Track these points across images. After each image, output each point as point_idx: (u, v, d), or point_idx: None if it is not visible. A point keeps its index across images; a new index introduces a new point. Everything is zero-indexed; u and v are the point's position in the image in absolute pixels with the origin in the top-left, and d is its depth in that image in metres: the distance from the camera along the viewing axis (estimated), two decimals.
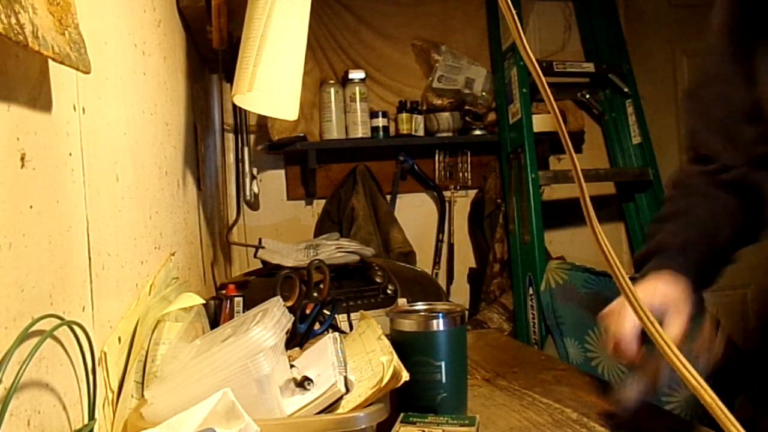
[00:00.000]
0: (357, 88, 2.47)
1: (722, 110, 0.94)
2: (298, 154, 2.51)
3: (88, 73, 0.59)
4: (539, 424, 0.86)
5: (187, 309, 0.92)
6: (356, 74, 2.49)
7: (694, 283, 0.83)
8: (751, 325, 2.44)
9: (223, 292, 1.34)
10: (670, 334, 0.74)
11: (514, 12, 0.64)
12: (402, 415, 0.75)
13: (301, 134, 2.41)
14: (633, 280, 0.83)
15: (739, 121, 0.92)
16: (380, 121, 2.51)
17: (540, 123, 2.46)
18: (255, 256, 1.64)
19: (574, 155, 0.69)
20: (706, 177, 0.94)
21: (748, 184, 0.91)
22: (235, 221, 2.00)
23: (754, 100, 0.91)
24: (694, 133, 0.97)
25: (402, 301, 1.37)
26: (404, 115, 2.54)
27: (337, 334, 0.86)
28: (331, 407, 0.68)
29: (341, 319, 1.23)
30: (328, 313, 1.09)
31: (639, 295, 0.64)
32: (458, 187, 2.69)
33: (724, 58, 0.95)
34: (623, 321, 0.79)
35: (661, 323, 0.71)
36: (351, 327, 1.21)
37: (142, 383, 0.77)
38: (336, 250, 1.56)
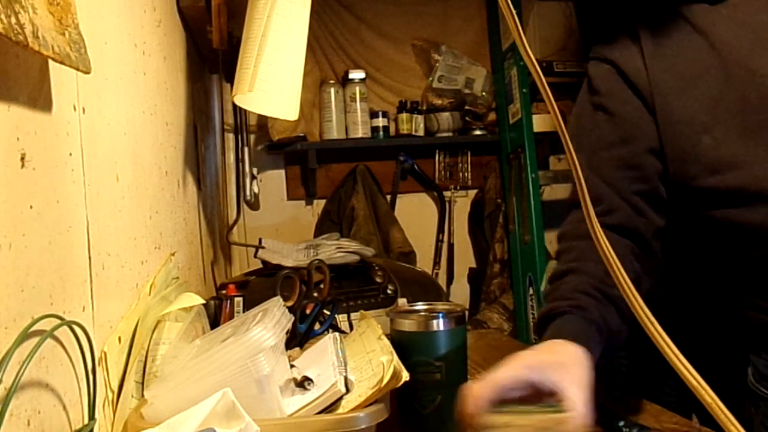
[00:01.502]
0: (357, 88, 2.47)
1: (601, 156, 0.96)
2: (298, 154, 2.51)
3: (88, 73, 0.59)
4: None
5: (187, 309, 0.92)
6: (356, 74, 2.49)
7: (588, 349, 0.76)
8: None
9: (223, 292, 1.34)
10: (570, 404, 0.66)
11: (514, 12, 0.64)
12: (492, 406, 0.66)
13: (301, 134, 2.41)
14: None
15: (616, 166, 0.95)
16: (380, 121, 2.51)
17: (540, 123, 2.46)
18: (255, 256, 1.64)
19: (574, 155, 0.69)
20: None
21: (630, 228, 0.92)
22: (235, 221, 2.00)
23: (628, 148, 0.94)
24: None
25: (402, 301, 1.37)
26: (404, 115, 2.54)
27: (337, 334, 0.86)
28: (331, 407, 0.67)
29: (341, 319, 1.23)
30: (328, 313, 1.09)
31: (643, 304, 0.65)
32: (458, 187, 2.69)
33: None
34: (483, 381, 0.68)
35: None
36: (351, 327, 1.21)
37: (142, 383, 0.77)
38: (336, 250, 1.56)
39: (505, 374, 0.68)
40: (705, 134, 0.90)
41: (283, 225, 2.56)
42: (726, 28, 0.90)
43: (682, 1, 0.93)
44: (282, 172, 2.57)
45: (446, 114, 2.57)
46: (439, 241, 2.68)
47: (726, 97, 0.89)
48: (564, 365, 0.70)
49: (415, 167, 2.62)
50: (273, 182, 2.56)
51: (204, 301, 1.01)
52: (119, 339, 0.73)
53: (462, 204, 2.72)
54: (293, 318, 0.83)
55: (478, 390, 0.67)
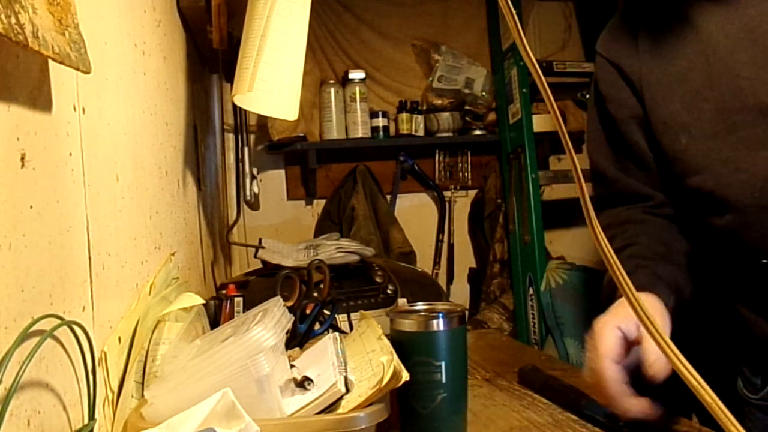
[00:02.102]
0: (357, 88, 2.47)
1: (634, 163, 0.98)
2: (298, 154, 2.51)
3: (88, 73, 0.59)
4: (539, 424, 0.86)
5: (187, 309, 0.92)
6: (356, 74, 2.49)
7: (660, 296, 0.84)
8: None
9: (223, 292, 1.34)
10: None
11: (514, 12, 0.64)
12: None
13: (301, 134, 2.41)
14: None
15: (652, 172, 0.97)
16: (380, 121, 2.51)
17: (540, 123, 2.46)
18: (255, 256, 1.64)
19: (574, 155, 0.69)
20: (638, 208, 0.98)
21: (674, 214, 0.97)
22: (235, 221, 2.00)
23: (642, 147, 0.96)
24: (614, 179, 1.00)
25: (402, 301, 1.37)
26: (404, 115, 2.54)
27: (337, 334, 0.86)
28: (331, 407, 0.67)
29: (341, 319, 1.23)
30: (328, 313, 1.09)
31: (643, 304, 0.65)
32: (458, 187, 2.69)
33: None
34: (602, 362, 0.77)
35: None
36: (351, 327, 1.21)
37: (142, 383, 0.77)
38: (336, 250, 1.56)
39: (613, 348, 0.77)
40: (683, 133, 0.90)
41: (283, 225, 2.56)
42: (715, 23, 0.88)
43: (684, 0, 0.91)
44: (282, 172, 2.57)
45: (446, 114, 2.57)
46: (439, 241, 2.68)
47: (706, 96, 0.88)
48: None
49: (415, 167, 2.62)
50: (273, 182, 2.56)
51: (204, 301, 1.01)
52: (119, 339, 0.73)
53: (462, 204, 2.72)
54: (293, 318, 0.83)
55: (612, 377, 0.75)
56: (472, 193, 2.72)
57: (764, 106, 0.84)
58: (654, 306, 0.81)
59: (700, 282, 0.97)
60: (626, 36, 0.98)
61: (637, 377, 0.86)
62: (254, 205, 2.04)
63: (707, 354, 1.14)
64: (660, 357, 0.73)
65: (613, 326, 0.78)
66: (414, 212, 2.66)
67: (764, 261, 0.86)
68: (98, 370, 0.64)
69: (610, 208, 1.00)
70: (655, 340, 0.63)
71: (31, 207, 0.52)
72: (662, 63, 0.93)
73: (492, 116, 2.66)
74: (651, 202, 0.98)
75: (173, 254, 1.11)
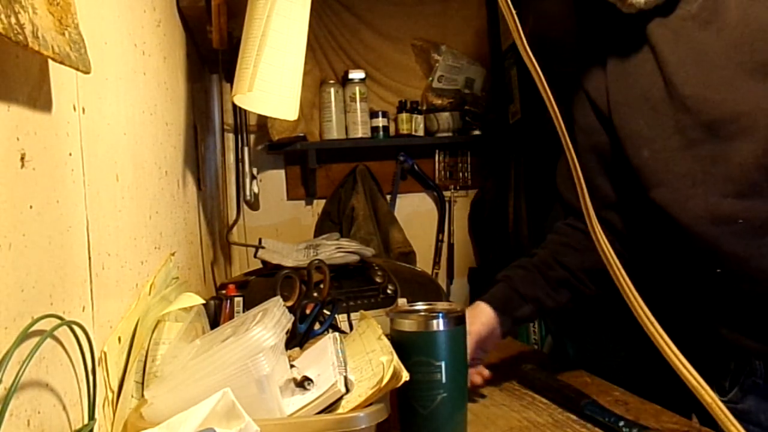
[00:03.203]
0: (357, 88, 2.47)
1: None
2: (298, 154, 2.51)
3: (88, 73, 0.59)
4: (539, 424, 0.86)
5: (187, 309, 0.92)
6: (356, 74, 2.49)
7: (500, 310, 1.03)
8: None
9: (223, 292, 1.34)
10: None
11: (514, 12, 0.64)
12: None
13: (301, 134, 2.41)
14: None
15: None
16: (380, 121, 2.51)
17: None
18: (255, 256, 1.64)
19: (574, 155, 0.69)
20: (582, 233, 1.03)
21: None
22: (235, 221, 2.00)
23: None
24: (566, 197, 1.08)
25: (402, 301, 1.37)
26: (404, 115, 2.53)
27: (337, 334, 0.86)
28: (331, 407, 0.67)
29: (341, 319, 1.23)
30: (328, 313, 1.09)
31: (642, 303, 0.65)
32: (458, 187, 2.69)
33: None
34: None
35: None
36: (351, 327, 1.21)
37: (142, 383, 0.77)
38: (336, 250, 1.56)
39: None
40: (645, 148, 0.94)
41: (283, 225, 2.56)
42: (669, 44, 0.92)
43: (642, 20, 0.94)
44: (282, 172, 2.57)
45: (446, 114, 2.57)
46: (439, 241, 2.68)
47: (665, 112, 0.92)
48: (471, 320, 0.93)
49: (415, 167, 2.62)
50: (273, 182, 2.56)
51: (204, 301, 1.01)
52: (119, 339, 0.73)
53: (462, 204, 2.72)
54: (293, 318, 0.83)
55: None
56: (472, 193, 2.72)
57: (712, 124, 0.87)
58: (477, 313, 1.01)
59: (664, 291, 1.00)
60: (595, 59, 1.02)
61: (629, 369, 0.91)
62: (254, 205, 2.04)
63: (696, 363, 1.15)
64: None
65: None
66: (414, 212, 2.66)
67: (718, 270, 0.90)
68: (98, 370, 0.64)
69: (573, 216, 1.08)
70: (655, 339, 0.63)
71: (31, 207, 0.52)
72: (626, 81, 0.97)
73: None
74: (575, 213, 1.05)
75: (173, 254, 1.11)
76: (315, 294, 1.19)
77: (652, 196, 0.94)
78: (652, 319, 0.64)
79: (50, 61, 0.56)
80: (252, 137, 2.47)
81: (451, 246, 2.69)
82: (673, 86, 0.90)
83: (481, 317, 1.01)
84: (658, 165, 0.93)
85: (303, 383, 0.71)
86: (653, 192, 0.93)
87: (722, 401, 0.94)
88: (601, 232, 0.69)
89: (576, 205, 1.01)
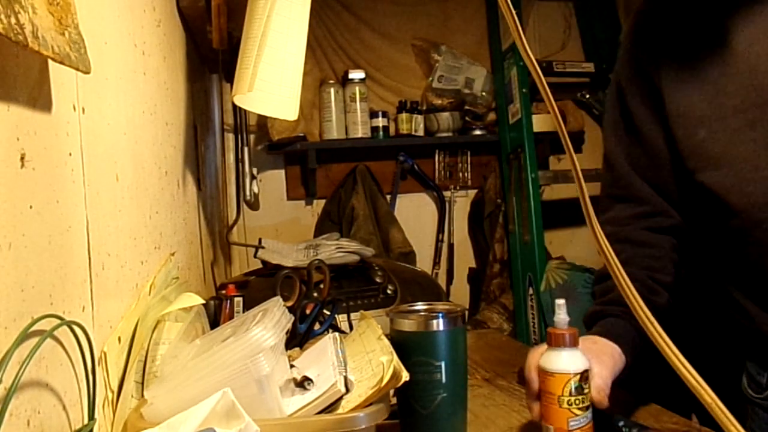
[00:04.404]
0: (357, 88, 2.47)
1: (647, 157, 0.98)
2: (298, 154, 2.51)
3: (88, 73, 0.59)
4: (539, 424, 0.86)
5: (187, 309, 0.92)
6: (356, 74, 2.49)
7: (625, 349, 0.88)
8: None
9: (223, 292, 1.34)
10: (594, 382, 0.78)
11: (514, 12, 0.64)
12: None
13: (301, 134, 2.41)
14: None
15: (664, 168, 0.96)
16: (380, 121, 2.51)
17: (540, 123, 2.46)
18: (255, 256, 1.64)
19: (574, 155, 0.69)
20: (640, 222, 0.98)
21: (675, 226, 0.97)
22: (235, 221, 2.00)
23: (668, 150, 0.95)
24: (623, 174, 1.00)
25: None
26: (404, 115, 2.54)
27: (337, 334, 0.86)
28: (331, 407, 0.67)
29: (341, 319, 1.23)
30: (328, 313, 1.09)
31: (642, 304, 0.65)
32: (458, 187, 2.69)
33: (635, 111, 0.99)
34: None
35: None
36: (351, 327, 1.21)
37: (142, 383, 0.77)
38: (336, 250, 1.56)
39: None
40: (702, 127, 0.89)
41: (283, 225, 2.56)
42: (738, 20, 0.87)
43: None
44: (282, 172, 2.57)
45: (446, 114, 2.57)
46: (439, 241, 2.68)
47: (727, 90, 0.87)
48: (599, 352, 0.83)
49: (415, 167, 2.62)
50: (273, 182, 2.56)
51: (204, 301, 1.01)
52: (119, 339, 0.73)
53: (462, 204, 2.72)
54: (293, 318, 0.83)
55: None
56: (472, 193, 2.72)
57: None
58: (612, 351, 0.86)
59: (704, 280, 0.97)
60: (650, 27, 0.97)
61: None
62: (254, 205, 2.04)
63: (712, 352, 1.14)
64: (603, 388, 0.79)
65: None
66: (414, 212, 2.66)
67: None
68: (98, 370, 0.64)
69: (613, 206, 1.01)
70: (654, 339, 0.63)
71: (30, 207, 0.52)
72: (682, 56, 0.92)
73: (492, 116, 2.66)
74: (649, 207, 0.98)
75: (173, 254, 1.11)
76: (315, 294, 1.19)
77: (701, 179, 0.89)
78: (652, 319, 0.64)
79: (50, 61, 0.56)
80: (252, 137, 2.47)
81: (451, 246, 2.69)
82: (744, 64, 0.85)
83: (615, 356, 0.87)
84: (717, 146, 0.87)
85: (303, 383, 0.71)
86: (704, 175, 0.89)
87: (759, 399, 0.94)
88: (601, 231, 0.69)
89: (652, 198, 0.97)
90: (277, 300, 0.78)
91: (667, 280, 0.95)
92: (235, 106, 1.96)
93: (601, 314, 0.93)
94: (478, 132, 2.62)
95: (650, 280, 0.94)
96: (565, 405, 0.74)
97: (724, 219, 0.90)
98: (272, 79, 1.04)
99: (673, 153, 0.94)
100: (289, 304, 1.07)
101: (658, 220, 0.97)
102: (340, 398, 0.68)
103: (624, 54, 1.01)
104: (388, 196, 2.60)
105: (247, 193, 1.95)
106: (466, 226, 2.74)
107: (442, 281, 2.65)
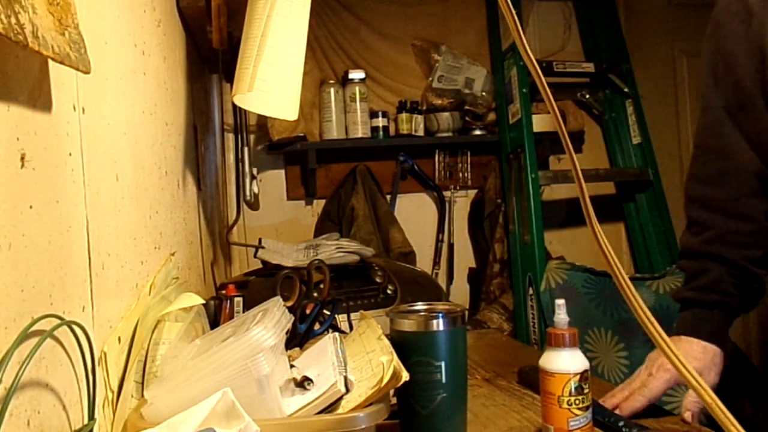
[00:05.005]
0: (357, 88, 2.47)
1: (728, 185, 0.94)
2: (298, 154, 2.51)
3: (88, 73, 0.59)
4: (539, 424, 0.86)
5: (187, 309, 0.92)
6: (356, 74, 2.49)
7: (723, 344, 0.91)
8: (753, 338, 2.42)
9: (223, 292, 1.34)
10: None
11: (514, 12, 0.64)
12: None
13: (301, 134, 2.41)
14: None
15: (747, 194, 0.93)
16: (380, 121, 2.51)
17: (540, 123, 2.46)
18: (255, 256, 1.64)
19: (574, 155, 0.69)
20: (729, 181, 0.94)
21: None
22: (235, 221, 2.00)
23: (759, 170, 0.91)
24: (715, 121, 0.95)
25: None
26: (404, 115, 2.54)
27: (337, 334, 0.86)
28: (331, 407, 0.67)
29: (341, 319, 1.23)
30: (328, 313, 1.09)
31: (643, 304, 0.65)
32: (458, 187, 2.69)
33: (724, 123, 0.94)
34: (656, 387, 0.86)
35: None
36: (351, 327, 1.21)
37: (142, 383, 0.77)
38: (336, 250, 1.56)
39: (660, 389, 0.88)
40: None
41: (283, 225, 2.56)
42: None
43: None
44: (282, 172, 2.57)
45: (446, 114, 2.57)
46: (439, 241, 2.68)
47: None
48: (709, 364, 0.87)
49: (415, 167, 2.62)
50: (273, 182, 2.56)
51: (204, 301, 1.01)
52: (119, 339, 0.73)
53: (462, 204, 2.72)
54: (293, 318, 0.83)
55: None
56: (472, 193, 2.72)
57: None
58: (713, 361, 0.89)
59: None
60: None
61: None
62: (254, 205, 2.04)
63: None
64: (695, 405, 0.83)
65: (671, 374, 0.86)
66: (414, 212, 2.66)
67: None
68: (98, 370, 0.64)
69: (700, 158, 0.96)
70: (654, 339, 0.63)
71: (30, 207, 0.52)
72: None
73: (492, 116, 2.66)
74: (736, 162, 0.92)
75: (173, 254, 1.11)
76: (315, 294, 1.19)
77: None
78: (652, 319, 0.64)
79: (50, 61, 0.56)
80: (252, 137, 2.47)
81: (451, 246, 2.69)
82: None
83: (715, 360, 0.90)
84: None
85: (303, 383, 0.71)
86: None
87: None
88: (601, 231, 0.69)
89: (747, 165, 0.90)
90: (277, 300, 0.78)
91: (760, 254, 0.92)
92: (235, 106, 1.96)
93: (695, 301, 0.94)
94: (478, 132, 2.62)
95: (745, 260, 0.91)
96: (565, 405, 0.74)
97: None
98: (272, 79, 1.04)
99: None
100: (289, 304, 1.07)
101: (746, 179, 0.92)
102: (340, 398, 0.68)
103: (727, 19, 0.94)
104: (388, 196, 2.60)
105: (247, 193, 1.95)
106: (466, 226, 2.74)
107: (442, 281, 2.65)
